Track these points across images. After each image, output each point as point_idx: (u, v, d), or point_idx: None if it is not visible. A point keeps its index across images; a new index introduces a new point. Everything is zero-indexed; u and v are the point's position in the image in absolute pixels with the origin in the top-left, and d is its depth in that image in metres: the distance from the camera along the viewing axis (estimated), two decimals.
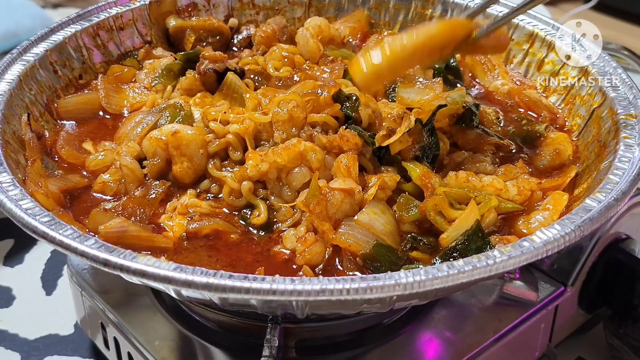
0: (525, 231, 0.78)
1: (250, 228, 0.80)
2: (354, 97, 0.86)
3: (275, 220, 0.81)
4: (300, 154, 0.81)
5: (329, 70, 0.98)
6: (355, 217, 0.76)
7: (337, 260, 0.76)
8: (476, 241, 0.73)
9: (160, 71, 1.03)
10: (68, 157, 0.89)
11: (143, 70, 1.06)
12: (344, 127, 0.84)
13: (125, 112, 0.99)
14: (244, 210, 0.82)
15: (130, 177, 0.84)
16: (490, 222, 0.78)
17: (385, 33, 1.15)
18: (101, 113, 0.99)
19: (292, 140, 0.82)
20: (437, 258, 0.74)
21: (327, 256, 0.75)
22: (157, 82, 1.02)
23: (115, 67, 1.07)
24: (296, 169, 0.81)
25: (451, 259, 0.70)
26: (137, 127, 0.91)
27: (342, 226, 0.75)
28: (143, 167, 0.86)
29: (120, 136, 0.92)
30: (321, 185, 0.78)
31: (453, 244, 0.73)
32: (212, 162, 0.85)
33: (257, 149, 0.85)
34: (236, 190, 0.82)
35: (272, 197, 0.82)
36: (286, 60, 1.05)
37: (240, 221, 0.81)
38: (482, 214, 0.76)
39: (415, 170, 0.81)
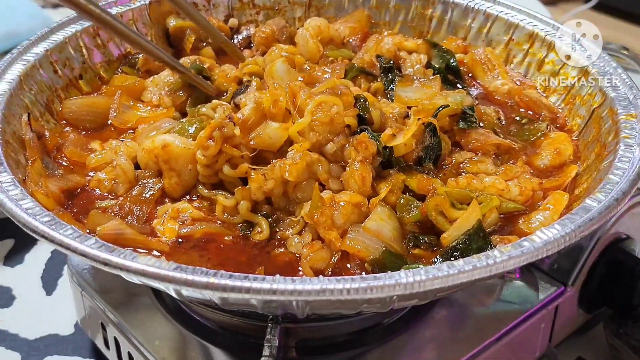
0: (526, 231, 0.78)
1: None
2: (362, 99, 0.85)
3: (277, 230, 0.79)
4: (308, 165, 0.79)
5: (330, 71, 0.98)
6: (363, 224, 0.75)
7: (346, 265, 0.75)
8: (477, 241, 0.73)
9: (168, 89, 0.99)
10: (72, 155, 0.89)
11: (148, 88, 1.02)
12: (361, 131, 0.81)
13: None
14: (242, 224, 0.80)
15: (121, 177, 0.83)
16: (491, 222, 0.78)
17: (385, 33, 1.15)
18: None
19: (296, 157, 0.79)
20: (438, 257, 0.74)
21: (334, 261, 0.74)
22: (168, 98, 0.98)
23: (119, 77, 1.04)
24: (304, 182, 0.79)
25: (452, 259, 0.70)
26: (154, 129, 0.90)
27: (350, 232, 0.75)
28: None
29: (138, 135, 0.90)
30: (326, 197, 0.76)
31: (454, 243, 0.73)
32: (202, 185, 0.83)
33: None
34: (229, 207, 0.80)
35: (278, 212, 0.80)
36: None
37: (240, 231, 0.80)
38: (483, 214, 0.76)
39: (413, 181, 0.81)
